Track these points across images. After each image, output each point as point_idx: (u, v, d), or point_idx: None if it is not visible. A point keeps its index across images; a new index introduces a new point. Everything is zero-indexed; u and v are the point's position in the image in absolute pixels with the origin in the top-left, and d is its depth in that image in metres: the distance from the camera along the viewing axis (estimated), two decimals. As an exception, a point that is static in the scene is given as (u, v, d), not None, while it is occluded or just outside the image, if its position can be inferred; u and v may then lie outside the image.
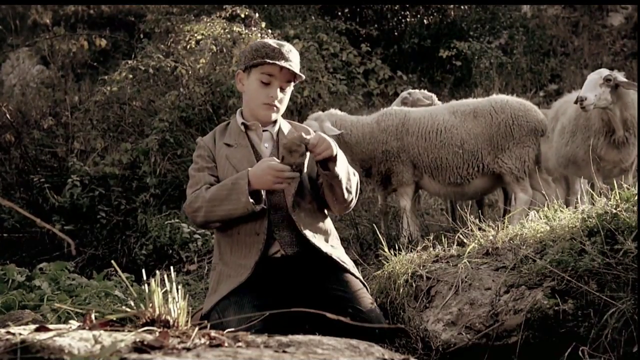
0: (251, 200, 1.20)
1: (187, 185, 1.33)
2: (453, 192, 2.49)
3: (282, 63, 1.29)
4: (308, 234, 1.27)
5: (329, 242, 1.32)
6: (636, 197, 1.25)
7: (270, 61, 1.28)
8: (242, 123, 1.35)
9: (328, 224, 1.36)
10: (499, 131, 2.34)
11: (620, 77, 2.23)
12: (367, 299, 1.27)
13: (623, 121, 2.22)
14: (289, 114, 3.90)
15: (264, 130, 1.36)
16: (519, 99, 2.47)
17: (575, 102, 2.23)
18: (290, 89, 1.36)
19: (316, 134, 1.24)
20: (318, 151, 1.20)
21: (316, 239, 1.28)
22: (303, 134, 1.21)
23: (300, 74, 1.33)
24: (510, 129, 2.34)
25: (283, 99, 1.34)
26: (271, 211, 1.28)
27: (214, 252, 1.36)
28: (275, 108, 1.33)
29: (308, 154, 1.21)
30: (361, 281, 1.32)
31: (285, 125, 1.39)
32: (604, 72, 2.24)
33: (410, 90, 3.07)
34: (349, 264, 1.32)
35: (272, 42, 1.33)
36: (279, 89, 1.32)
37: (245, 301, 1.20)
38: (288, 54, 1.31)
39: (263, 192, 1.24)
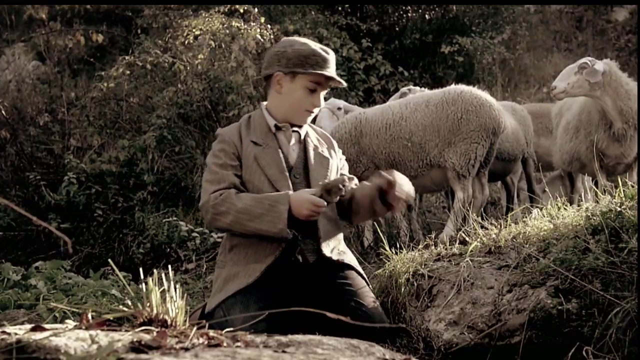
0: (290, 231, 1.19)
1: (202, 178, 1.30)
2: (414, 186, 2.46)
3: (331, 73, 1.30)
4: (324, 245, 1.28)
5: (340, 249, 1.33)
6: (641, 195, 1.24)
7: (321, 71, 1.28)
8: (275, 125, 1.33)
9: (340, 230, 1.37)
10: (447, 124, 2.21)
11: (600, 66, 2.17)
12: (370, 296, 1.27)
13: (618, 112, 2.20)
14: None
15: (292, 131, 1.35)
16: (479, 92, 2.31)
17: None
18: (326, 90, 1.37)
19: (402, 177, 1.25)
20: (401, 197, 1.22)
21: (330, 250, 1.29)
22: (346, 180, 1.22)
23: (342, 82, 1.34)
24: (458, 122, 2.21)
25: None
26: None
27: (222, 250, 1.33)
28: (312, 113, 1.35)
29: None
30: (365, 280, 1.32)
31: (309, 128, 1.38)
32: (584, 60, 2.22)
33: (411, 87, 3.04)
34: (354, 263, 1.33)
35: (318, 48, 1.31)
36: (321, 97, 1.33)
37: (251, 301, 1.20)
38: (333, 61, 1.32)
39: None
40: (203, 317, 1.22)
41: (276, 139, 1.33)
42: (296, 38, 1.36)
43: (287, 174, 1.27)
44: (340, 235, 1.35)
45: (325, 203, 1.20)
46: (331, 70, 1.30)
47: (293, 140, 1.34)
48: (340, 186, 1.20)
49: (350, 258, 1.33)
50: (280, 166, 1.27)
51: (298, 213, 1.19)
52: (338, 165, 1.39)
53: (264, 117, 1.34)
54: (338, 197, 1.22)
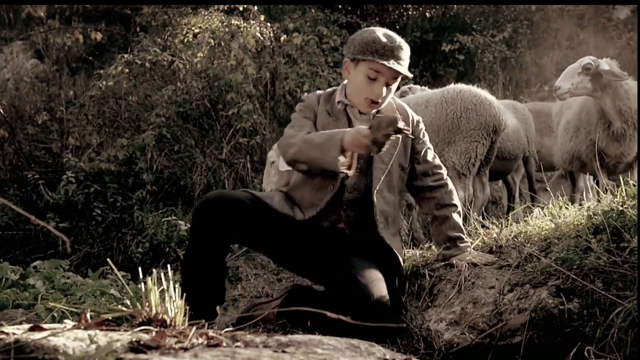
0: (339, 158, 1.23)
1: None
2: None
3: (391, 63, 1.28)
4: (380, 219, 1.32)
5: (392, 232, 1.36)
6: (642, 195, 1.23)
7: (380, 60, 1.28)
8: (342, 102, 1.36)
9: (398, 215, 1.41)
10: (446, 123, 2.21)
11: (605, 66, 2.18)
12: (382, 287, 1.23)
13: (617, 111, 2.19)
14: (289, 110, 3.87)
15: (361, 114, 1.37)
16: (479, 90, 2.31)
17: None
18: (396, 84, 1.35)
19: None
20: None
21: (384, 228, 1.32)
22: (400, 120, 1.19)
23: (408, 74, 1.32)
24: (458, 121, 2.21)
25: (387, 95, 1.34)
26: (347, 189, 1.32)
27: (276, 176, 1.40)
28: (376, 104, 1.34)
29: (398, 137, 1.24)
30: (399, 278, 1.32)
31: (389, 107, 1.39)
32: (586, 60, 2.21)
33: (411, 85, 3.03)
34: (399, 255, 1.35)
35: (383, 36, 1.30)
36: (384, 86, 1.31)
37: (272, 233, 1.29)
38: (398, 52, 1.30)
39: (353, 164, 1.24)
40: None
41: (347, 115, 1.36)
42: (378, 28, 1.35)
43: None
44: (398, 219, 1.38)
45: (371, 136, 1.17)
46: (394, 61, 1.27)
47: (363, 120, 1.35)
48: (388, 123, 1.15)
49: (397, 245, 1.34)
50: None
51: (347, 142, 1.21)
52: (415, 147, 1.39)
53: (339, 92, 1.38)
54: (388, 137, 1.17)
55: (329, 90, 1.42)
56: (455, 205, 1.42)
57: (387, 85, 1.32)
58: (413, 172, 1.41)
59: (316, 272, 1.35)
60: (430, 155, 1.43)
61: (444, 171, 1.45)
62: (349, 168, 1.21)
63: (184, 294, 0.83)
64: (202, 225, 1.26)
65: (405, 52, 1.32)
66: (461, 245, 1.39)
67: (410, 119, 1.41)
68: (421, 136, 1.42)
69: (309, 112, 1.37)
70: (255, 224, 1.29)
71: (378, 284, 1.22)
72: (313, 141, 1.26)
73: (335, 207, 1.32)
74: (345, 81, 1.39)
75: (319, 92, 1.42)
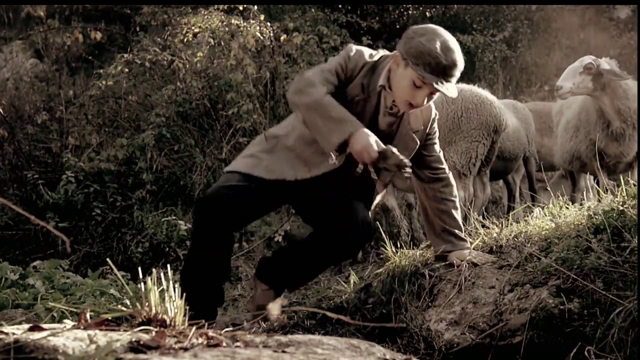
0: (336, 152, 1.23)
1: (312, 73, 1.30)
2: (413, 186, 2.45)
3: (439, 85, 1.25)
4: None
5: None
6: (643, 194, 1.23)
7: (428, 76, 1.24)
8: (382, 85, 1.32)
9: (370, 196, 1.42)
10: (447, 123, 2.21)
11: (606, 65, 2.18)
12: (364, 210, 1.32)
13: (616, 111, 2.19)
14: (289, 110, 3.86)
15: (393, 105, 1.35)
16: (480, 90, 2.32)
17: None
18: (437, 95, 1.33)
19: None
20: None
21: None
22: (406, 164, 1.23)
23: (452, 95, 1.29)
24: (459, 121, 2.21)
25: (428, 102, 1.33)
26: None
27: (281, 129, 1.38)
28: (414, 107, 1.32)
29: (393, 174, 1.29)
30: (371, 202, 1.38)
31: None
32: (587, 59, 2.20)
33: None
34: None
35: (440, 49, 1.23)
36: (426, 97, 1.29)
37: (248, 190, 1.30)
38: (451, 70, 1.26)
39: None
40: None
41: (379, 99, 1.33)
42: (441, 32, 1.27)
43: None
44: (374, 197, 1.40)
45: (376, 157, 1.20)
46: (443, 79, 1.24)
47: (393, 116, 1.34)
48: (399, 166, 1.20)
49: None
50: (364, 123, 1.27)
51: (352, 143, 1.22)
52: (425, 142, 1.39)
53: (383, 74, 1.32)
54: (389, 173, 1.23)
55: (373, 58, 1.33)
56: (453, 201, 1.42)
57: (431, 93, 1.29)
58: (416, 162, 1.41)
59: (310, 214, 1.41)
60: (436, 149, 1.44)
61: (445, 166, 1.45)
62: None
63: (185, 294, 0.83)
64: (206, 224, 1.28)
65: (459, 68, 1.28)
66: (458, 242, 1.38)
67: (432, 118, 1.41)
68: (433, 133, 1.43)
69: (347, 72, 1.30)
70: (253, 203, 1.32)
71: (362, 209, 1.33)
72: (327, 111, 1.23)
73: (328, 172, 1.33)
74: (394, 64, 1.32)
75: (365, 54, 1.33)
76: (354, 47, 1.35)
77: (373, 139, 1.22)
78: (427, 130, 1.40)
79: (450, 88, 1.28)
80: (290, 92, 1.31)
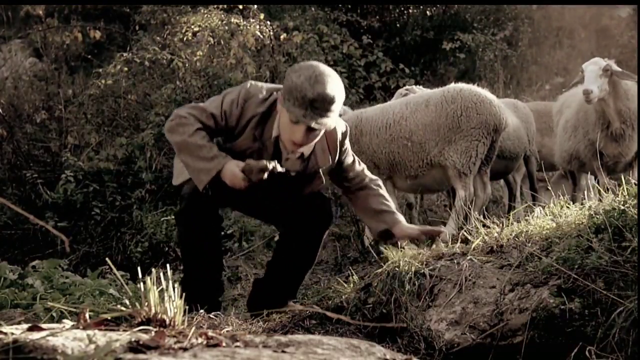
0: (206, 186, 1.33)
1: (186, 111, 1.37)
2: (413, 186, 2.43)
3: (306, 119, 1.25)
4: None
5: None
6: (644, 194, 1.22)
7: (295, 111, 1.24)
8: (276, 137, 1.36)
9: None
10: (447, 122, 2.20)
11: (615, 66, 2.22)
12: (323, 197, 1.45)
13: (617, 112, 2.21)
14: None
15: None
16: (479, 89, 2.31)
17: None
18: (322, 130, 1.33)
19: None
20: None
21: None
22: (267, 165, 1.29)
23: (328, 128, 1.32)
24: (458, 120, 2.19)
25: (312, 138, 1.33)
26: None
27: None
28: (300, 146, 1.33)
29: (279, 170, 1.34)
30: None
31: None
32: (601, 62, 2.22)
33: (408, 87, 3.03)
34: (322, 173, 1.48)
35: (309, 85, 1.23)
36: (304, 133, 1.29)
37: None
38: (320, 104, 1.24)
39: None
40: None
41: (277, 146, 1.37)
42: (316, 67, 1.28)
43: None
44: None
45: (245, 181, 1.30)
46: (312, 112, 1.23)
47: (292, 161, 1.39)
48: (260, 170, 1.29)
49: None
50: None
51: (223, 177, 1.32)
52: (340, 159, 1.47)
53: (276, 122, 1.35)
54: (260, 178, 1.31)
55: (265, 104, 1.34)
56: (381, 194, 1.49)
57: (309, 129, 1.28)
58: (336, 178, 1.51)
59: (270, 212, 1.50)
60: (350, 161, 1.50)
61: (366, 173, 1.52)
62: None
63: (188, 289, 0.83)
64: (192, 225, 1.38)
65: (330, 101, 1.25)
66: (395, 217, 1.44)
67: (339, 140, 1.44)
68: (344, 151, 1.48)
69: (229, 122, 1.34)
70: (226, 201, 1.41)
71: (323, 198, 1.46)
72: (195, 151, 1.31)
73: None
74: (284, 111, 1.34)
75: (256, 103, 1.34)
76: (239, 99, 1.34)
77: (236, 168, 1.30)
78: (338, 154, 1.45)
79: (326, 121, 1.27)
80: (165, 129, 1.39)
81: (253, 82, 1.40)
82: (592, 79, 2.17)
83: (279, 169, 1.31)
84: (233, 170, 1.30)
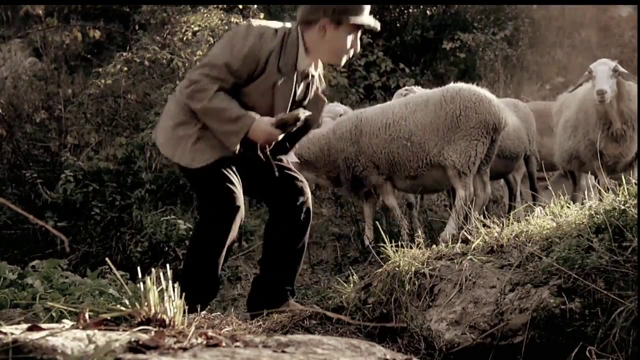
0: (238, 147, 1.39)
1: (198, 73, 1.39)
2: (413, 186, 2.44)
3: (369, 21, 1.44)
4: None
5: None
6: (644, 194, 1.22)
7: (372, 24, 1.43)
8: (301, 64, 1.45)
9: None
10: (446, 122, 2.21)
11: (620, 67, 2.25)
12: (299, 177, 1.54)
13: (619, 113, 2.22)
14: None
15: (305, 77, 1.49)
16: (478, 88, 2.32)
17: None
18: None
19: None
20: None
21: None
22: (300, 115, 1.41)
23: (378, 27, 1.46)
24: (457, 120, 2.20)
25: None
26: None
27: (180, 116, 1.44)
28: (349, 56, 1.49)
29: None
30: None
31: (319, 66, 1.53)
32: (609, 62, 2.24)
33: (406, 87, 3.03)
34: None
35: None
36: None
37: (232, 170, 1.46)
38: (368, 8, 1.45)
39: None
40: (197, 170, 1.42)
41: (295, 73, 1.44)
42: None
43: (288, 106, 1.44)
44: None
45: (281, 134, 1.39)
46: (368, 18, 1.41)
47: (307, 80, 1.49)
48: (294, 120, 1.39)
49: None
50: (287, 100, 1.44)
51: (254, 137, 1.39)
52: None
53: (297, 50, 1.43)
54: (293, 129, 1.43)
55: (280, 35, 1.41)
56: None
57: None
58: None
59: (258, 187, 1.57)
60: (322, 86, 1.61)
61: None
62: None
63: (188, 286, 0.84)
64: (224, 217, 1.46)
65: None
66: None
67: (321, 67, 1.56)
68: (320, 72, 1.58)
69: (249, 65, 1.38)
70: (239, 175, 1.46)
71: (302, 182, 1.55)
72: (219, 114, 1.36)
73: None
74: (300, 35, 1.42)
75: (270, 35, 1.39)
76: (253, 37, 1.40)
77: (267, 123, 1.37)
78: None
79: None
80: (185, 96, 1.39)
81: (253, 20, 1.52)
82: (604, 79, 2.17)
83: (307, 114, 1.40)
84: (264, 127, 1.37)
